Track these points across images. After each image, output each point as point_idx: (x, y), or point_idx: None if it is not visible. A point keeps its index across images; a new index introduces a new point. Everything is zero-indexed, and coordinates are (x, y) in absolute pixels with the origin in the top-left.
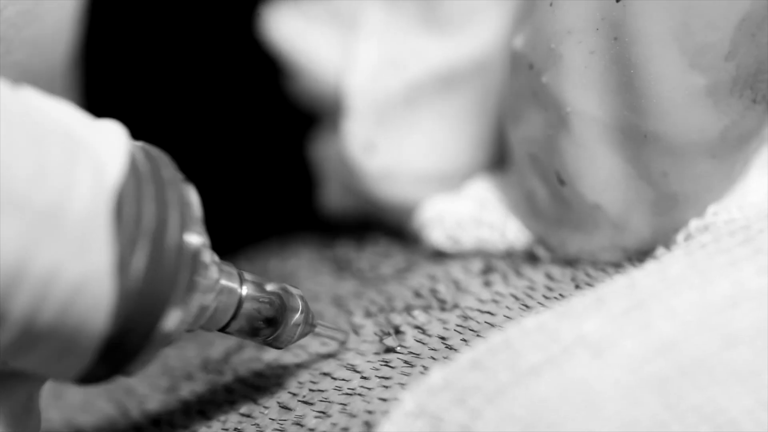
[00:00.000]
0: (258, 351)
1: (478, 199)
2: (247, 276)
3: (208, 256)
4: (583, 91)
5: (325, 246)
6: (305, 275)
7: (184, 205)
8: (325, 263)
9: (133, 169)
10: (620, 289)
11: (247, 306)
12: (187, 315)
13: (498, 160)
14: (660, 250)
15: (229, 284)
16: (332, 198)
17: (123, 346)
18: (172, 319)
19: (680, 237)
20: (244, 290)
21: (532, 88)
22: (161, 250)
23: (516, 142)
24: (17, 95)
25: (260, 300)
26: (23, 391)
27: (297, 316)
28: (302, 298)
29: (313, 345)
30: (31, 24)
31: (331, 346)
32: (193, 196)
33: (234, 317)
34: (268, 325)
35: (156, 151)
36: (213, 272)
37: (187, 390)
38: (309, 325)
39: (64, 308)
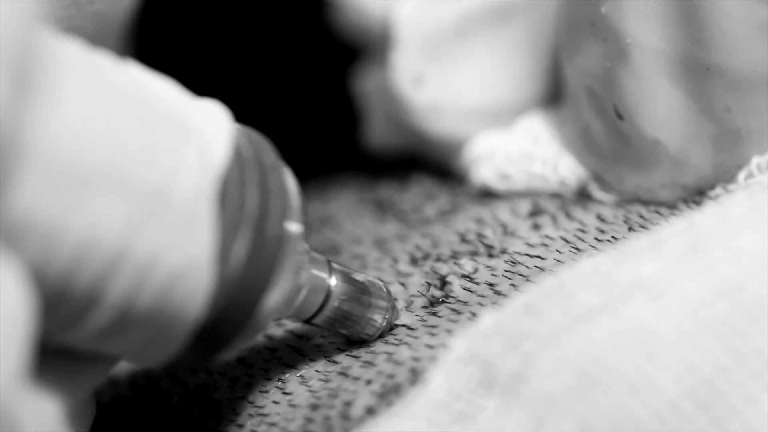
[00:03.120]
0: None
1: (531, 135)
2: (335, 266)
3: (303, 245)
4: (644, 21)
5: (367, 188)
6: (345, 217)
7: (284, 193)
8: (366, 205)
9: (237, 154)
10: (679, 231)
11: (335, 297)
12: (280, 304)
13: (552, 95)
14: (717, 191)
15: (320, 274)
16: (376, 134)
17: (217, 335)
18: (267, 309)
19: (741, 175)
20: (333, 281)
21: (591, 18)
22: (262, 239)
23: (572, 76)
24: (123, 70)
25: (347, 293)
26: (96, 374)
27: (384, 306)
28: (388, 291)
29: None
30: None
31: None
32: (291, 183)
33: (321, 308)
34: (352, 315)
35: (256, 135)
36: (305, 261)
37: None
38: (395, 316)
39: (162, 294)
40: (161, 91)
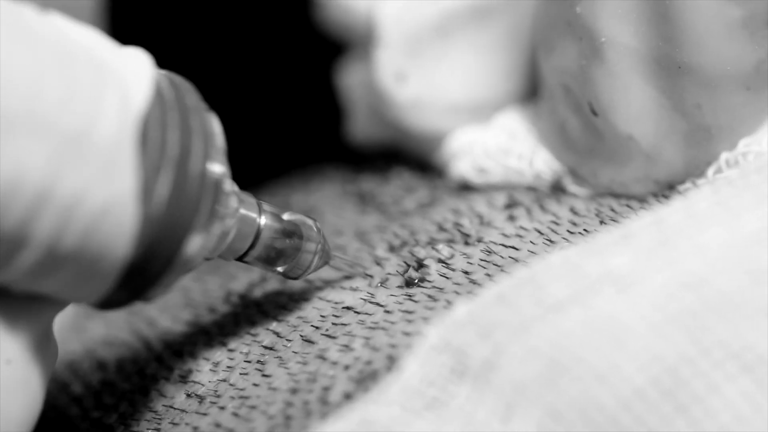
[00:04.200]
0: (281, 284)
1: (508, 130)
2: (265, 206)
3: (229, 186)
4: (618, 21)
5: (349, 180)
6: (328, 209)
7: (207, 134)
8: (348, 197)
9: (158, 97)
10: (647, 225)
11: (265, 235)
12: (207, 242)
13: (529, 91)
14: (686, 186)
15: (248, 213)
16: (359, 128)
17: (144, 272)
18: (193, 246)
19: (711, 170)
20: (263, 220)
21: (567, 17)
22: (185, 177)
23: (548, 73)
24: (46, 19)
25: (277, 230)
26: (44, 316)
27: (313, 246)
28: (319, 229)
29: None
30: None
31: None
32: (216, 126)
33: (252, 246)
34: (284, 254)
35: (180, 79)
36: (233, 201)
37: (210, 322)
38: (325, 255)
39: (87, 232)
40: (84, 39)
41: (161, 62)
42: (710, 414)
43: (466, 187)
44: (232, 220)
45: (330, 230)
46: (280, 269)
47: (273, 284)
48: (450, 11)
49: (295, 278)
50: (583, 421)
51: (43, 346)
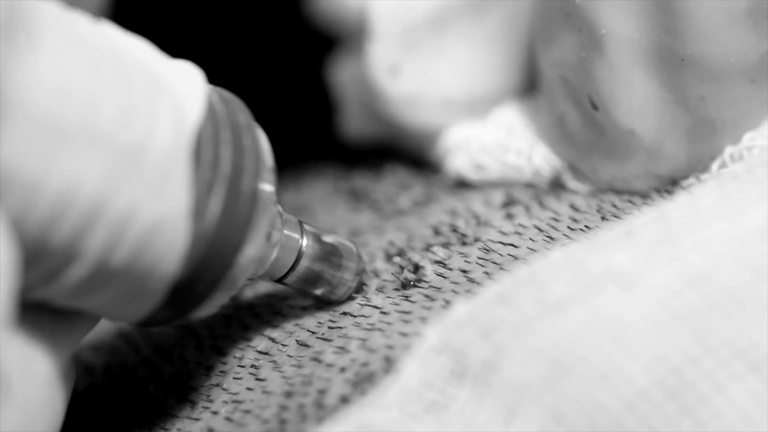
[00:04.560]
0: (272, 286)
1: (506, 125)
2: (307, 227)
3: (276, 205)
4: (618, 12)
5: (341, 177)
6: (320, 207)
7: (258, 152)
8: (340, 195)
9: (211, 113)
10: (650, 221)
11: (306, 257)
12: (256, 263)
13: (527, 85)
14: (690, 181)
15: (292, 234)
16: (352, 124)
17: (192, 291)
18: (242, 266)
19: (715, 165)
20: (305, 241)
21: (566, 9)
22: (237, 195)
23: (547, 66)
24: (100, 30)
25: (318, 251)
26: (77, 335)
27: (354, 267)
28: (358, 251)
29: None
30: None
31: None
32: (265, 143)
33: (293, 268)
34: (323, 276)
35: (230, 96)
36: (279, 221)
37: (200, 325)
38: (365, 278)
39: (138, 249)
40: (137, 50)
41: None
42: (716, 415)
43: (462, 185)
44: (276, 241)
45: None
46: (318, 292)
47: (264, 286)
48: (446, 3)
49: (333, 302)
50: (586, 424)
51: (70, 366)
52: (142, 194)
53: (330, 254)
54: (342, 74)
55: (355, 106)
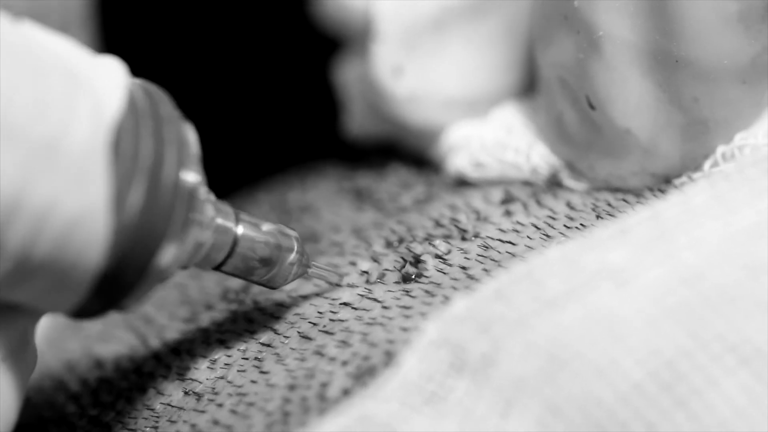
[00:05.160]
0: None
1: (505, 124)
2: (242, 216)
3: (204, 194)
4: (615, 14)
5: (345, 177)
6: (324, 206)
7: (181, 143)
8: (344, 194)
9: (132, 106)
10: (644, 220)
11: (242, 245)
12: (182, 252)
13: (526, 85)
14: (682, 180)
15: (225, 223)
16: (356, 123)
17: (118, 281)
18: (167, 255)
19: (707, 164)
20: (240, 229)
21: (564, 11)
22: (157, 186)
23: (545, 67)
24: (18, 28)
25: (255, 239)
26: (20, 324)
27: (292, 257)
28: (297, 239)
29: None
30: None
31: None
32: (190, 134)
33: (229, 256)
34: (262, 264)
35: (154, 89)
36: (209, 210)
37: (207, 319)
38: (303, 266)
39: (60, 242)
40: (56, 47)
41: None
42: (709, 407)
43: (462, 183)
44: (207, 230)
45: (327, 227)
46: (257, 279)
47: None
48: (447, 5)
49: (274, 288)
50: (582, 416)
51: (19, 356)
52: (61, 188)
53: (267, 242)
54: (346, 75)
55: (359, 106)
